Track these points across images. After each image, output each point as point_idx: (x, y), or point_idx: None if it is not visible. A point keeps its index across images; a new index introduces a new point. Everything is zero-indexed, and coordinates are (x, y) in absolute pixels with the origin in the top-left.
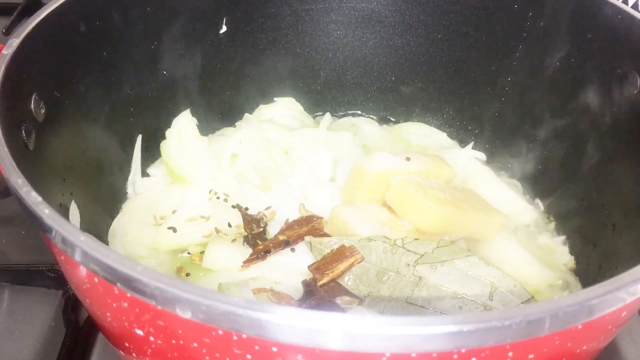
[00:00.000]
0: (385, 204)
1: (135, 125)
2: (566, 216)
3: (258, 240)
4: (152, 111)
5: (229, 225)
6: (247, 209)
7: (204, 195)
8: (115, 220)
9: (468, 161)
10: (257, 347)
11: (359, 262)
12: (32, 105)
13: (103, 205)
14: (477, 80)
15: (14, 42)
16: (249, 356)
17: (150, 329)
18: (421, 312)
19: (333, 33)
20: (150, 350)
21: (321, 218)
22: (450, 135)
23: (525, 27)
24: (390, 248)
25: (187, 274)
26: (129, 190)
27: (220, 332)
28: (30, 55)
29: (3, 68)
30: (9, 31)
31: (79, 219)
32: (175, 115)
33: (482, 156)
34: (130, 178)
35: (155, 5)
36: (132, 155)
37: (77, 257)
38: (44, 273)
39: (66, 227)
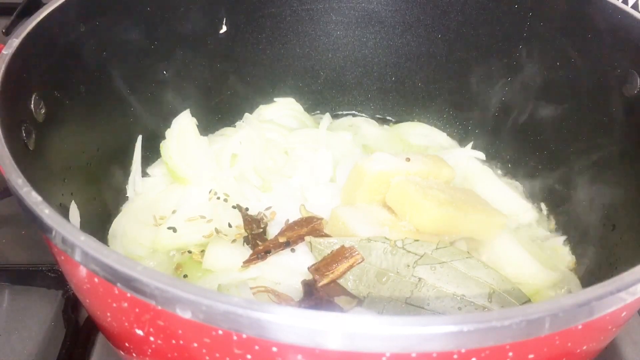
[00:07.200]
0: (385, 205)
1: (135, 125)
2: (566, 216)
3: (258, 240)
4: (152, 111)
5: (229, 226)
6: (247, 209)
7: (204, 195)
8: (115, 220)
9: (468, 161)
10: (257, 347)
11: (359, 263)
12: (32, 105)
13: (103, 205)
14: (477, 80)
15: (14, 42)
16: (249, 356)
17: (150, 329)
18: (420, 312)
19: (333, 33)
20: (150, 350)
21: (321, 219)
22: (450, 135)
23: (525, 27)
24: (390, 249)
25: (185, 276)
26: (129, 190)
27: (220, 332)
28: (30, 55)
29: (3, 68)
30: (9, 31)
31: (79, 219)
32: (175, 115)
33: (482, 156)
34: (130, 178)
35: (155, 5)
36: (132, 155)
37: (77, 257)
38: (44, 273)
39: (66, 227)
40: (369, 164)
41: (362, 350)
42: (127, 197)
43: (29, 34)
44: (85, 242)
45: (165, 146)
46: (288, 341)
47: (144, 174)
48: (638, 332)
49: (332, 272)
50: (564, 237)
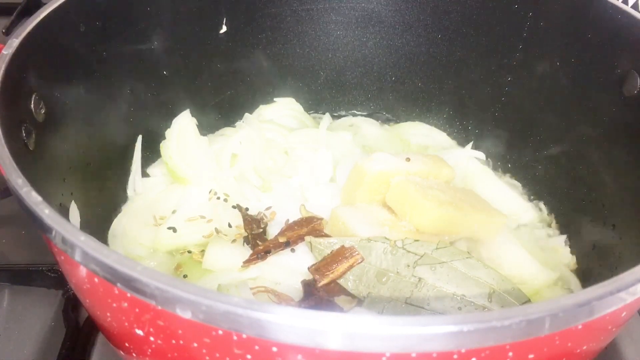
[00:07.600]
0: (385, 205)
1: (135, 125)
2: (566, 216)
3: (258, 240)
4: (152, 111)
5: (229, 226)
6: (247, 209)
7: (204, 195)
8: (115, 220)
9: (468, 161)
10: (257, 347)
11: (359, 263)
12: (32, 105)
13: (103, 205)
14: (477, 80)
15: (14, 42)
16: (249, 356)
17: (150, 329)
18: (420, 312)
19: (333, 33)
20: (150, 350)
21: (321, 219)
22: (450, 135)
23: (525, 27)
24: (390, 249)
25: (185, 276)
26: (129, 190)
27: (220, 332)
28: (30, 55)
29: (3, 68)
30: (9, 31)
31: (79, 219)
32: (175, 115)
33: (482, 156)
34: (130, 178)
35: (155, 5)
36: (132, 155)
37: (77, 257)
38: (44, 273)
39: (66, 227)
40: (369, 164)
41: (362, 350)
42: (127, 197)
43: (29, 34)
44: (85, 242)
45: (165, 146)
46: (288, 341)
47: (144, 174)
48: (638, 332)
49: (332, 272)
50: (564, 237)
